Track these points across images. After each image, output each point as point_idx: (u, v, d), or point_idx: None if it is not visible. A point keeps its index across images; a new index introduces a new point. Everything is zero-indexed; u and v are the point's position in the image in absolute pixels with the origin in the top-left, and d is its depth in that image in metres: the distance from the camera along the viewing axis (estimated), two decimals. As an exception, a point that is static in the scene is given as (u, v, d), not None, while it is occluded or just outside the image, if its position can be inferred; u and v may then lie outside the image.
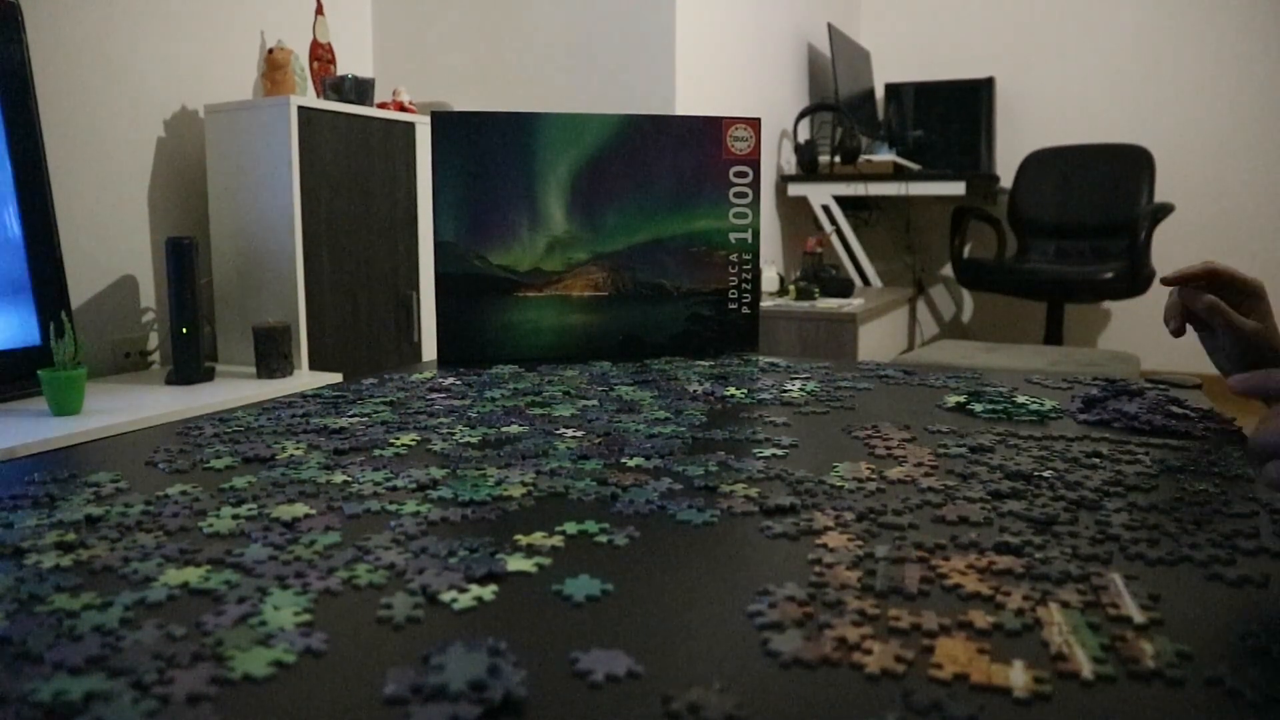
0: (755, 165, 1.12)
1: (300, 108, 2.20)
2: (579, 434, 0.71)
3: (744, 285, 1.13)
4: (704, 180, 1.10)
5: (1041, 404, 0.82)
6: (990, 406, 0.82)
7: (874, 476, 0.60)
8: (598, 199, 1.08)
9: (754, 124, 1.11)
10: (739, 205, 1.12)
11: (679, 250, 1.11)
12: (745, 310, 1.13)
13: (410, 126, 2.50)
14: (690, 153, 1.10)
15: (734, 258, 1.12)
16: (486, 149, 1.06)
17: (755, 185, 1.12)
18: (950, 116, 4.56)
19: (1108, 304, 4.48)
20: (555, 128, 1.07)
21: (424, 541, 0.48)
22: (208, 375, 2.11)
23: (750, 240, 1.12)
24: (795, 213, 4.01)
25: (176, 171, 2.39)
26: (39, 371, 1.72)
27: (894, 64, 4.73)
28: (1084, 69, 4.48)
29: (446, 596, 0.41)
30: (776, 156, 3.94)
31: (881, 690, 0.34)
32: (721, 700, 0.33)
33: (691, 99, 2.97)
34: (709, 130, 1.10)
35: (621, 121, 1.09)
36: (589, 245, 1.09)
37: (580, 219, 1.08)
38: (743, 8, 3.48)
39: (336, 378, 2.19)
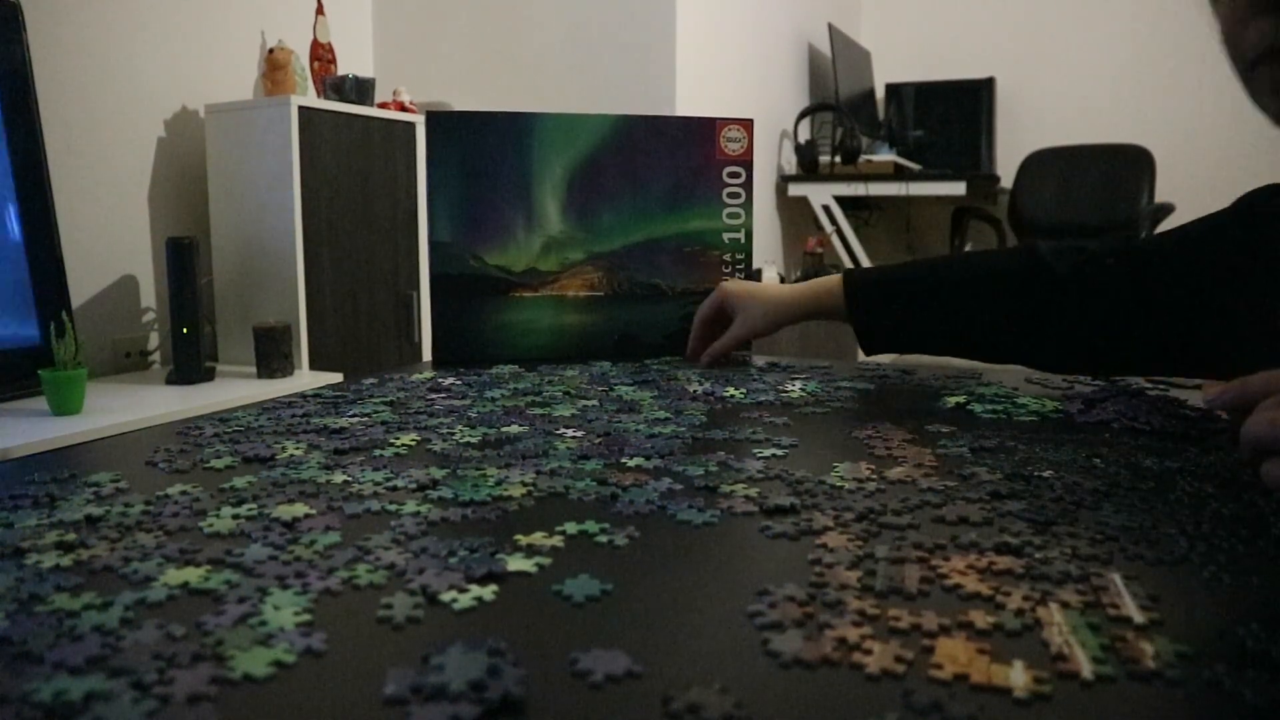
0: (748, 166, 1.12)
1: (301, 108, 2.20)
2: (579, 434, 0.71)
3: (742, 285, 1.13)
4: (698, 180, 1.10)
5: (1041, 404, 0.82)
6: (990, 406, 0.82)
7: (874, 476, 0.60)
8: (593, 199, 1.08)
9: (747, 125, 1.12)
10: (732, 205, 1.12)
11: (673, 250, 1.11)
12: (745, 310, 1.13)
13: (411, 126, 2.50)
14: (684, 153, 1.10)
15: (728, 257, 1.12)
16: (481, 149, 1.06)
17: (748, 186, 1.12)
18: (950, 116, 4.56)
19: (1108, 304, 4.47)
20: (550, 128, 1.07)
21: (424, 541, 0.48)
22: (208, 375, 2.11)
23: (743, 240, 1.12)
24: (795, 213, 4.01)
25: (177, 171, 2.39)
26: (39, 371, 1.72)
27: (894, 64, 4.73)
28: (1084, 69, 4.48)
29: (446, 596, 0.41)
30: (777, 156, 3.94)
31: (881, 690, 0.34)
32: (721, 700, 0.33)
33: (692, 99, 2.97)
34: (702, 131, 1.10)
35: (616, 122, 1.09)
36: (584, 245, 1.09)
37: (575, 219, 1.08)
38: (743, 8, 3.48)
39: (337, 378, 2.19)
